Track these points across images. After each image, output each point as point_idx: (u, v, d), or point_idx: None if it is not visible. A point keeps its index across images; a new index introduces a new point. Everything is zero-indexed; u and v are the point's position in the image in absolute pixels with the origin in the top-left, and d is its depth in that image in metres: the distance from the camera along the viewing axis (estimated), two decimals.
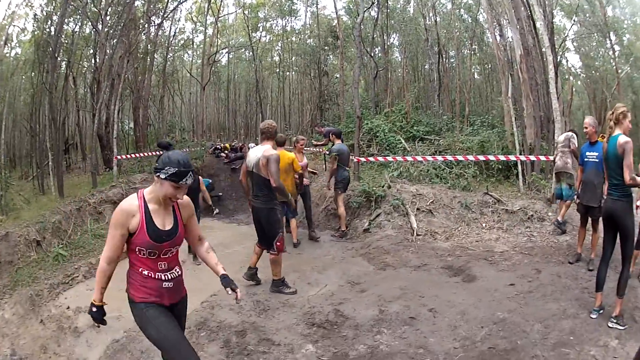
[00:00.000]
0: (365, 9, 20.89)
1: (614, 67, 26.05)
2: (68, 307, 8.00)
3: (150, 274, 3.73)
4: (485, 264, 8.46)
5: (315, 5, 37.79)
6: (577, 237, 8.79)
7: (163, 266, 3.80)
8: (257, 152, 7.44)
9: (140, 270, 3.74)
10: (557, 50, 17.68)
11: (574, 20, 26.53)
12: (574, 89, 27.69)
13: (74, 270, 9.83)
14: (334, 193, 12.21)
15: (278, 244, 7.61)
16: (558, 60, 16.97)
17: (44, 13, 21.42)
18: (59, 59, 18.51)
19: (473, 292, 7.25)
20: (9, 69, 26.10)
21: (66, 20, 19.72)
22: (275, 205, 7.61)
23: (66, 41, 21.16)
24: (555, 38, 15.82)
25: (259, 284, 8.29)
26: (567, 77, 29.11)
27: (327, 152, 14.73)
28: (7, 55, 25.93)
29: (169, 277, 3.84)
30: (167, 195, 3.64)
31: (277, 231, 7.61)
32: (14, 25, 24.94)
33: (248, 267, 8.30)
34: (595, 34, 26.66)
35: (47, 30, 19.98)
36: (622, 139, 5.58)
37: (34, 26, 22.71)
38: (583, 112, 31.56)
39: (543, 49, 14.76)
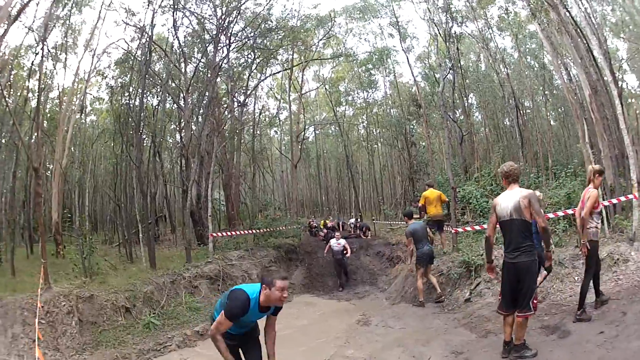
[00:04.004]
0: (444, 76, 21.07)
1: None
2: None
3: None
4: None
5: (393, 74, 38.53)
6: None
7: None
8: (512, 196, 6.64)
9: None
10: (617, 76, 16.98)
11: (623, 38, 25.81)
12: (637, 112, 26.72)
13: (166, 339, 10.02)
14: (415, 268, 12.79)
15: (535, 301, 6.89)
16: (620, 87, 16.23)
17: (119, 83, 22.30)
18: (142, 133, 19.10)
19: (567, 347, 7.02)
20: (88, 137, 27.33)
21: (145, 94, 20.91)
22: (535, 255, 6.65)
23: (148, 115, 21.97)
24: (612, 63, 15.08)
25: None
26: (630, 100, 28.21)
27: None
28: (83, 122, 27.12)
29: None
30: None
31: (535, 286, 6.85)
32: (89, 93, 26.13)
33: (504, 343, 7.24)
34: None
35: (125, 102, 21.30)
36: None
37: (109, 97, 23.82)
38: None
39: (605, 78, 14.21)
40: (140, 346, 9.34)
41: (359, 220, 28.61)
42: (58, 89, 25.77)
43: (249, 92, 29.20)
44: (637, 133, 18.96)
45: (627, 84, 29.35)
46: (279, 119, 41.26)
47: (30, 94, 23.41)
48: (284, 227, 22.58)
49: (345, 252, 17.69)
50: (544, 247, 6.56)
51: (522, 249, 6.43)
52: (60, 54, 23.79)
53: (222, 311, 5.10)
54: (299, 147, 36.66)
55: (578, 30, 14.69)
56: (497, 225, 6.76)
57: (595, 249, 7.81)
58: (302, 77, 38.49)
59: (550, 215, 13.11)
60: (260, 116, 35.44)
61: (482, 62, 32.61)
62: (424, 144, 34.64)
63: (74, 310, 9.38)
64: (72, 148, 25.55)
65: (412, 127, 34.73)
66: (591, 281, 7.94)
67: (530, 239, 6.46)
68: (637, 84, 31.21)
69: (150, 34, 19.05)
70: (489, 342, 8.12)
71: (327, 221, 29.73)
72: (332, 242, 18.07)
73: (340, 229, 27.53)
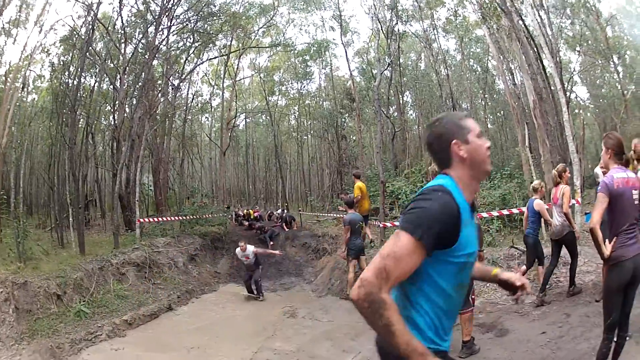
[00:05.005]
0: (381, 71, 21.14)
1: (620, 90, 26.40)
2: None
3: None
4: (516, 317, 8.25)
5: (329, 67, 38.82)
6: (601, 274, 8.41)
7: None
8: None
9: None
10: (566, 87, 17.56)
11: (578, 51, 26.80)
12: (584, 122, 27.68)
13: (96, 328, 9.75)
14: (346, 259, 12.36)
15: (473, 296, 6.85)
16: (568, 96, 16.80)
17: (61, 62, 21.63)
18: (77, 113, 18.48)
19: (506, 346, 7.06)
20: (27, 116, 26.36)
21: (84, 74, 20.18)
22: None
23: (85, 95, 21.36)
24: (562, 73, 15.68)
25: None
26: (576, 111, 29.50)
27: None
28: (24, 100, 26.17)
29: None
30: None
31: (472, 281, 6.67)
32: (31, 70, 25.26)
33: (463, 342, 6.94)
34: (599, 61, 26.78)
35: (65, 81, 20.49)
36: None
37: (50, 74, 22.99)
38: (595, 144, 31.86)
39: (553, 88, 14.87)
40: (72, 336, 9.05)
41: (284, 211, 28.77)
42: (5, 65, 24.80)
43: (184, 76, 28.88)
44: (581, 142, 19.65)
45: (576, 95, 30.52)
46: (211, 105, 41.00)
47: None
48: (210, 215, 22.55)
49: (258, 263, 14.12)
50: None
51: None
52: (11, 29, 22.93)
53: (401, 231, 1.95)
54: (229, 134, 36.40)
55: (530, 38, 15.09)
56: None
57: (574, 238, 8.26)
58: (238, 64, 38.20)
59: (484, 215, 13.41)
60: (193, 101, 35.11)
61: (422, 61, 33.22)
62: (354, 137, 34.85)
63: (10, 297, 9.00)
64: (12, 127, 24.60)
65: (343, 120, 35.31)
66: (551, 271, 8.54)
67: None
68: (587, 96, 32.52)
69: (96, 11, 18.42)
70: None
71: (250, 211, 29.56)
72: (238, 252, 13.98)
73: (267, 220, 27.71)
